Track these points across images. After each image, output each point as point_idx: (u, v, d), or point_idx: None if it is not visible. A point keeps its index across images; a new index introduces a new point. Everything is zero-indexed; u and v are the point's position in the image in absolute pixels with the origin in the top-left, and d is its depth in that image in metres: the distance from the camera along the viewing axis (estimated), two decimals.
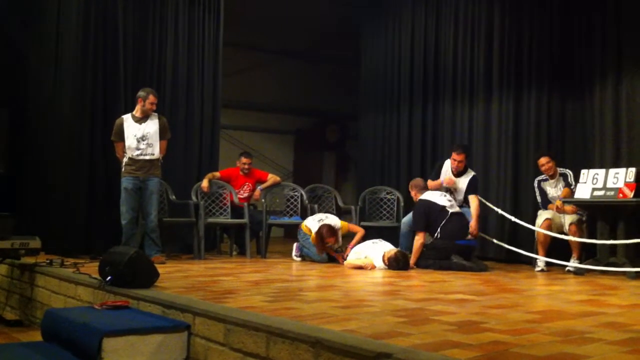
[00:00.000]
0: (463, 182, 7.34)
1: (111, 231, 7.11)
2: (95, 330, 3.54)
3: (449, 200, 7.04)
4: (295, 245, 7.80)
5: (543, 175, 7.05)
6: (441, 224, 6.81)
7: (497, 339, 3.04)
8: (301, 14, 11.46)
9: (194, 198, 7.69)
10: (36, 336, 4.58)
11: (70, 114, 7.50)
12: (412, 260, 6.75)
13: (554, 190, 6.97)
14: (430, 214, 6.91)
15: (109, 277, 4.58)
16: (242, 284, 5.13)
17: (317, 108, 13.69)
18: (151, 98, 6.87)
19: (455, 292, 4.89)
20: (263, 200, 8.13)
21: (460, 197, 7.35)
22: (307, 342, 2.95)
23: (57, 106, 7.58)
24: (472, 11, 8.60)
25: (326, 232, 7.23)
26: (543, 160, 6.94)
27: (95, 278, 4.84)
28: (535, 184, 7.13)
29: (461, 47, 8.72)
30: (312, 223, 7.52)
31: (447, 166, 7.46)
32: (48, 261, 5.98)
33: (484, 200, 7.53)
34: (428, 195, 7.08)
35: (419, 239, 6.84)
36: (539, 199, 7.10)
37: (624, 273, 6.18)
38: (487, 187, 8.08)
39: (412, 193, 7.37)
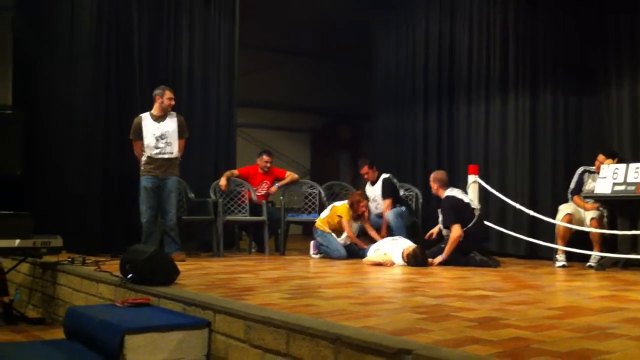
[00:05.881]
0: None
1: (129, 229, 7.15)
2: (116, 328, 3.58)
3: (470, 199, 7.08)
4: (312, 243, 7.79)
5: (592, 167, 6.96)
6: (469, 225, 6.79)
7: (518, 335, 3.03)
8: (314, 14, 11.46)
9: (212, 196, 7.73)
10: (58, 334, 4.65)
11: (85, 114, 7.55)
12: (445, 253, 6.69)
13: (592, 184, 6.86)
14: (457, 209, 6.90)
15: (130, 275, 4.61)
16: (261, 281, 5.15)
17: (330, 107, 13.71)
18: (168, 93, 6.91)
19: (475, 288, 4.88)
20: (281, 197, 8.15)
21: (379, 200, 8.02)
22: (328, 338, 2.96)
23: (72, 106, 7.63)
24: (487, 9, 8.55)
25: (359, 196, 7.61)
26: (601, 158, 6.74)
27: (117, 276, 4.88)
28: (580, 171, 7.01)
29: (476, 44, 8.66)
30: (327, 210, 7.71)
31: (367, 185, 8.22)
32: (70, 259, 6.04)
33: (502, 197, 7.49)
34: (453, 192, 7.07)
35: (455, 232, 6.72)
36: (572, 185, 7.02)
37: None
38: (504, 183, 8.07)
39: (434, 187, 7.24)
